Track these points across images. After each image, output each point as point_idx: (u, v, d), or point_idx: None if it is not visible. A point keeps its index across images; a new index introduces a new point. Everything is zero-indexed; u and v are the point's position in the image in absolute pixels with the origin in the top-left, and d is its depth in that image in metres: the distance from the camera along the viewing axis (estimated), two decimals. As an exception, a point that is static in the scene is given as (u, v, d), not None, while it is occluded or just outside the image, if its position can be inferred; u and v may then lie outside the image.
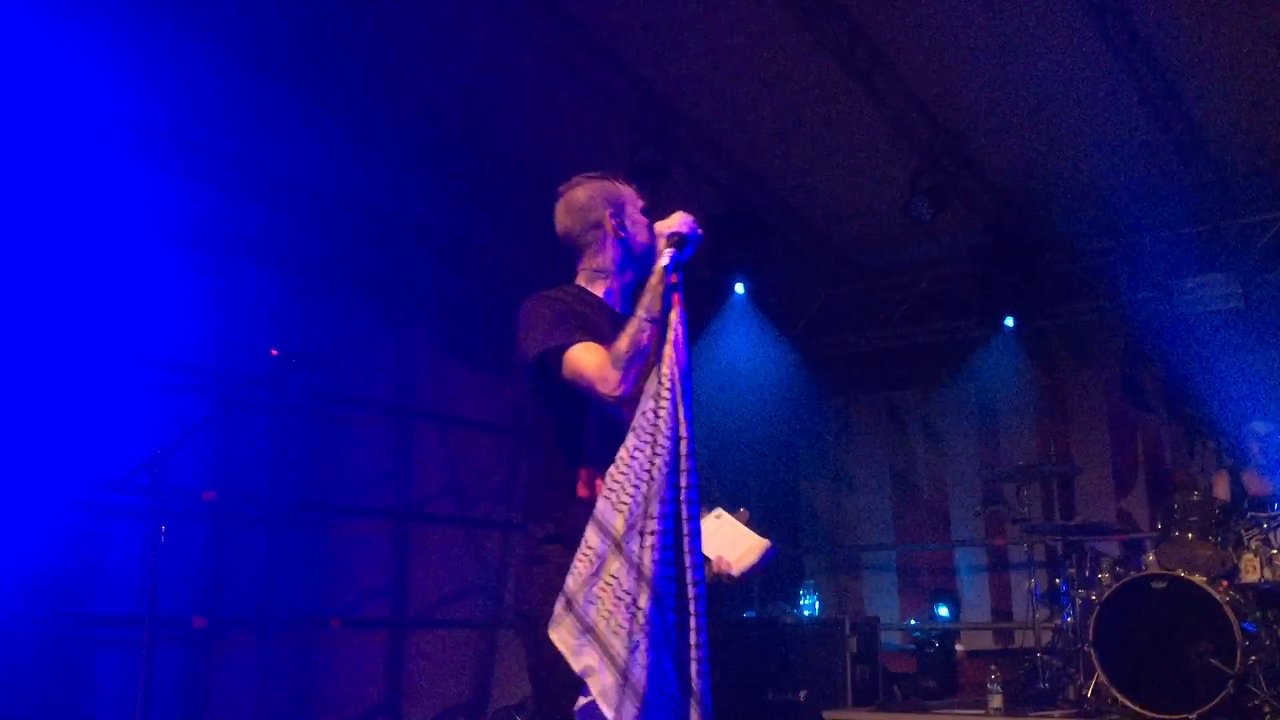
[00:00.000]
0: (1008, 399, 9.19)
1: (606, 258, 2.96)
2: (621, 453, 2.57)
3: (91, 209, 5.05)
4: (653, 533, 2.50)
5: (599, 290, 2.96)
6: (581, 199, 2.98)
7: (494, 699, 6.99)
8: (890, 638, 8.39)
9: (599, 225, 2.95)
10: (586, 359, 2.68)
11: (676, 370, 2.59)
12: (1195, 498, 6.39)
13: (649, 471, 2.54)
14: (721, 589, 2.92)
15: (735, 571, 2.86)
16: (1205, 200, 7.60)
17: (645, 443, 2.55)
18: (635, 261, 2.96)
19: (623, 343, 2.65)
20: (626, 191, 3.00)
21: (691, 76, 6.44)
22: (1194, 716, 5.56)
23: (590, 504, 2.63)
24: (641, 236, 2.97)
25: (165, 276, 5.43)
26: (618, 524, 2.51)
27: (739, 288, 8.64)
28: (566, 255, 3.09)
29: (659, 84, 6.49)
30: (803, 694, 6.87)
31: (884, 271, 9.04)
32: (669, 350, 2.60)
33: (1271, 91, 6.48)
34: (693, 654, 2.53)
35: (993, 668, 6.73)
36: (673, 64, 6.32)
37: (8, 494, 4.59)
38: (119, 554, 5.06)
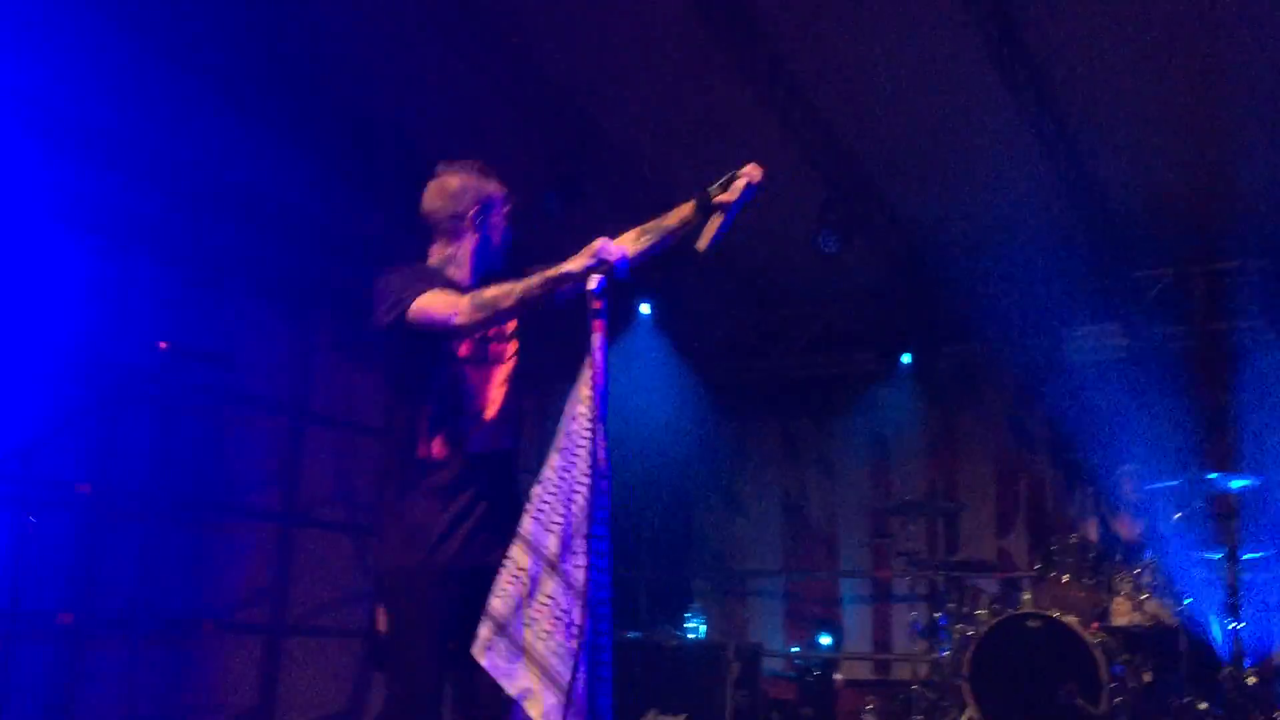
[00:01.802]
0: (901, 434, 9.33)
1: (461, 248, 3.08)
2: (547, 473, 2.63)
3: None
4: (586, 552, 2.53)
5: (448, 275, 3.07)
6: (453, 186, 3.08)
7: (371, 709, 6.88)
8: (773, 664, 8.44)
9: (461, 218, 3.04)
10: (436, 298, 2.83)
11: (598, 393, 2.63)
12: (1073, 540, 6.55)
13: (579, 491, 2.56)
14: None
15: None
16: (1098, 252, 7.82)
17: (572, 463, 2.59)
18: (486, 259, 3.10)
19: (491, 290, 2.77)
20: (498, 192, 3.12)
21: (612, 96, 6.46)
22: (1060, 754, 5.70)
23: (428, 463, 2.82)
24: (496, 239, 3.11)
25: (53, 260, 5.25)
26: (551, 544, 2.54)
27: (644, 308, 8.67)
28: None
29: (583, 103, 6.50)
30: (683, 717, 6.88)
31: (787, 301, 9.15)
32: (589, 373, 2.63)
33: (1167, 148, 6.71)
34: (601, 671, 2.58)
35: (869, 698, 6.84)
36: (596, 83, 6.34)
37: None
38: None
